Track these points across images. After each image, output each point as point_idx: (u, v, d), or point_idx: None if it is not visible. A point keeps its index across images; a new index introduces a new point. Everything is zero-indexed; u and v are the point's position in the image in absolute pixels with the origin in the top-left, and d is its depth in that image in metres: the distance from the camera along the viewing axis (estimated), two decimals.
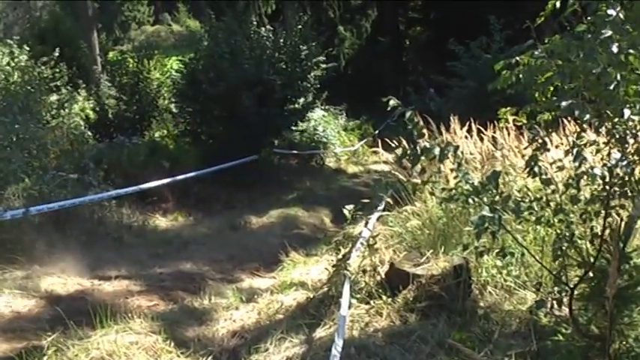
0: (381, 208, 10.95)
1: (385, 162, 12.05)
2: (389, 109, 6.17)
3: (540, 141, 5.87)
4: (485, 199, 5.73)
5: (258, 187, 20.29)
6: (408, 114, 5.98)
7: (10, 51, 17.61)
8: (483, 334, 6.92)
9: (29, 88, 16.09)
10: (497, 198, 5.71)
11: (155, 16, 55.42)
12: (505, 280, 7.85)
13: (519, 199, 5.88)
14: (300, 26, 22.17)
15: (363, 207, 11.31)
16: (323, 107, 26.35)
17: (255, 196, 19.70)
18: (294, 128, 22.99)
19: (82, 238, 13.61)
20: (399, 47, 40.15)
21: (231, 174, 19.55)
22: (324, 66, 22.53)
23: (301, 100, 21.87)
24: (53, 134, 16.86)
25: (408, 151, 5.92)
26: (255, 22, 22.76)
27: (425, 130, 6.10)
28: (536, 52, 5.62)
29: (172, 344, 7.69)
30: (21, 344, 8.05)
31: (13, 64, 17.07)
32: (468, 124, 11.23)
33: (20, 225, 12.60)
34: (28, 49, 18.20)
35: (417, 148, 5.82)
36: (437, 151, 5.73)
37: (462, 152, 6.02)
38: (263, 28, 22.02)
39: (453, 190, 6.01)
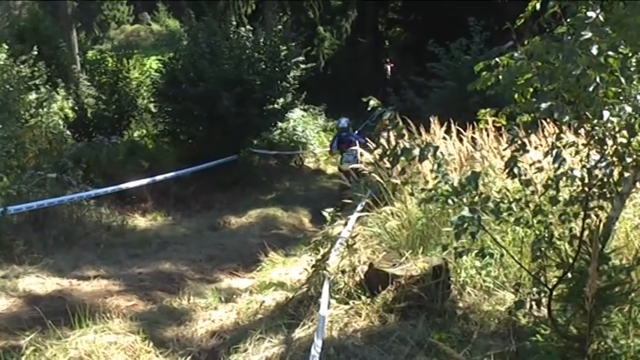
0: (360, 208, 10.96)
1: (364, 162, 12.03)
2: (369, 109, 6.18)
3: (520, 142, 5.88)
4: (464, 200, 5.74)
5: (238, 188, 20.32)
6: (387, 114, 5.99)
7: None
8: (462, 335, 6.93)
9: (8, 86, 16.07)
10: (476, 199, 5.72)
11: (135, 15, 55.22)
12: (484, 281, 7.87)
13: (499, 200, 5.89)
14: (279, 26, 22.20)
15: (342, 208, 11.35)
16: (302, 107, 26.29)
17: (235, 197, 19.72)
18: (273, 128, 23.01)
19: (61, 237, 13.58)
20: (379, 48, 40.15)
21: (210, 174, 19.58)
22: (303, 66, 22.56)
23: (280, 100, 21.90)
24: (32, 133, 16.82)
25: (388, 152, 5.93)
26: (234, 22, 22.78)
27: (404, 131, 6.09)
28: (515, 54, 5.63)
29: (151, 344, 7.69)
30: None
31: None
32: (447, 124, 11.26)
33: None
34: (6, 47, 18.14)
35: (397, 148, 5.82)
36: (416, 151, 5.73)
37: (442, 153, 6.02)
38: (243, 28, 22.05)
39: (433, 191, 6.01)
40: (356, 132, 20.85)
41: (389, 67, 30.63)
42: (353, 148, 19.61)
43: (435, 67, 21.60)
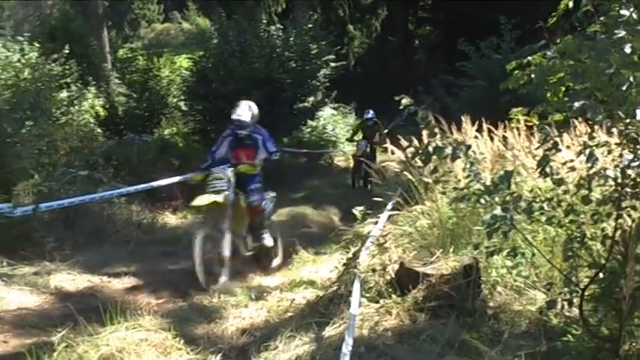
0: (390, 207, 10.94)
1: (395, 161, 11.97)
2: (401, 107, 6.17)
3: (552, 141, 5.85)
4: (496, 199, 5.72)
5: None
6: (420, 113, 5.98)
7: (21, 48, 17.64)
8: (493, 334, 6.89)
9: (39, 84, 16.13)
10: (508, 198, 5.70)
11: (165, 14, 55.44)
12: (515, 280, 7.82)
13: (531, 200, 5.86)
14: (309, 25, 22.21)
15: (373, 206, 11.33)
16: (332, 106, 26.35)
17: None
18: (303, 127, 23.03)
19: (92, 235, 13.65)
20: (409, 46, 40.12)
21: None
22: (333, 65, 22.56)
23: (311, 98, 21.93)
24: (63, 131, 16.91)
25: (420, 150, 5.91)
26: (265, 21, 22.79)
27: (436, 129, 6.08)
28: (548, 53, 5.60)
29: (182, 341, 7.68)
30: (31, 340, 8.06)
31: (23, 61, 17.09)
32: (478, 123, 11.21)
33: (30, 221, 12.62)
34: (38, 46, 18.23)
35: (429, 147, 5.80)
36: (449, 150, 5.72)
37: (474, 152, 6.01)
38: (273, 27, 22.11)
39: (465, 190, 6.00)
40: (385, 131, 20.94)
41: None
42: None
43: (466, 66, 21.58)
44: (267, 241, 12.39)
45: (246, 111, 12.49)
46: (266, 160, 12.52)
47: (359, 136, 21.03)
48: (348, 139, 21.94)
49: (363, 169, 19.69)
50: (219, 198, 11.38)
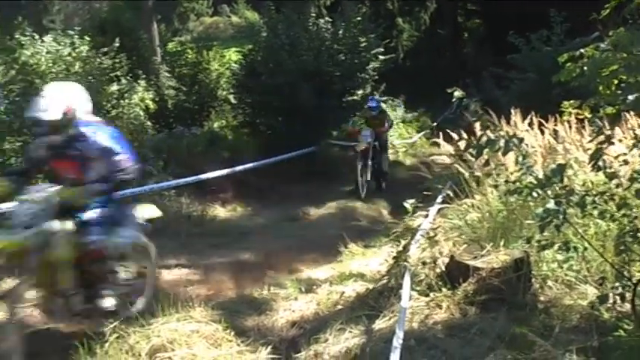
0: (440, 200, 10.92)
1: (444, 154, 11.88)
2: (453, 100, 6.17)
3: (604, 135, 5.81)
4: (549, 192, 5.69)
5: (316, 179, 20.32)
6: (472, 105, 5.97)
7: (72, 41, 17.76)
8: (544, 329, 6.85)
9: (90, 78, 16.23)
10: (561, 191, 5.67)
11: (214, 7, 55.52)
12: (566, 275, 7.77)
13: (583, 193, 5.83)
14: (358, 18, 22.15)
15: (423, 199, 11.30)
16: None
17: (313, 188, 19.72)
18: (352, 120, 23.01)
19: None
20: (458, 39, 39.98)
21: (289, 165, 19.65)
22: (382, 58, 22.46)
23: (360, 91, 21.88)
24: (114, 124, 16.99)
25: (472, 143, 5.90)
26: (313, 14, 22.77)
27: (488, 122, 6.07)
28: (602, 45, 5.57)
29: (232, 333, 7.72)
30: (84, 330, 8.14)
31: (74, 55, 17.21)
32: (528, 116, 11.13)
33: None
34: (88, 39, 18.35)
35: (481, 140, 5.78)
36: (502, 143, 5.70)
37: (526, 145, 5.99)
38: (322, 20, 22.05)
39: (517, 183, 5.97)
40: (434, 124, 20.89)
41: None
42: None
43: (515, 59, 21.41)
44: (107, 302, 8.01)
45: (52, 103, 7.51)
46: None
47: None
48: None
49: (374, 164, 19.73)
50: (17, 238, 7.10)
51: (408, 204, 9.08)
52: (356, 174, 19.10)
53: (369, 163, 19.15)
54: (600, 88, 5.80)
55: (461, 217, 9.84)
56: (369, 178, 19.65)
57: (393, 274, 8.45)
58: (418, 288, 7.84)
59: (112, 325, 7.38)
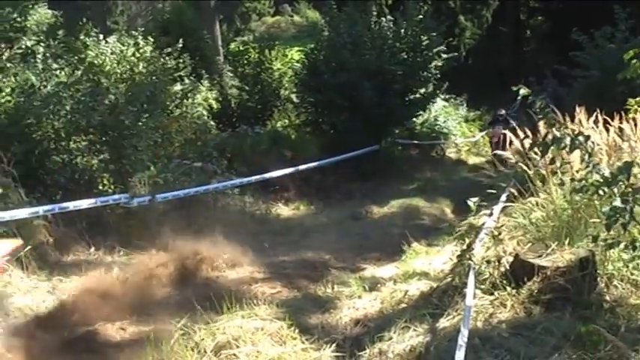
0: (504, 199, 10.86)
1: (509, 152, 11.78)
2: (518, 97, 6.13)
3: None
4: (615, 191, 5.65)
5: (379, 177, 20.34)
6: (538, 103, 5.94)
7: (135, 42, 17.97)
8: (609, 328, 6.78)
9: (154, 78, 16.40)
10: (627, 189, 5.62)
11: (275, 7, 55.72)
12: (632, 274, 7.70)
13: None
14: (420, 16, 22.09)
15: (486, 198, 11.26)
16: (443, 97, 26.23)
17: (376, 186, 19.76)
18: (415, 118, 22.97)
19: (206, 225, 13.85)
20: (521, 37, 39.71)
21: (352, 164, 19.68)
22: (444, 56, 22.37)
23: (422, 90, 21.83)
24: (177, 123, 17.15)
25: (538, 142, 5.87)
26: (375, 13, 22.74)
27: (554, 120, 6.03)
28: None
29: (296, 331, 7.77)
30: (148, 327, 8.23)
31: (138, 55, 17.41)
32: (593, 114, 11.03)
33: (146, 212, 12.89)
34: (152, 40, 18.54)
35: (547, 138, 5.75)
36: (567, 141, 5.66)
37: (592, 143, 5.93)
38: (384, 19, 22.03)
39: (583, 181, 5.93)
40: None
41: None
42: None
43: (579, 56, 21.20)
44: None
45: None
46: None
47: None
48: None
49: None
50: None
51: (472, 202, 9.05)
52: None
53: None
54: None
55: (525, 215, 9.76)
56: None
57: (457, 273, 8.43)
58: (482, 287, 7.80)
59: (179, 324, 7.46)
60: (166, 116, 16.36)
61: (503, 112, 21.17)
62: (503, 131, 18.26)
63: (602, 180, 5.70)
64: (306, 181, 18.84)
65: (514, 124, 19.10)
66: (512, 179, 10.98)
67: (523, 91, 6.02)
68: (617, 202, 5.51)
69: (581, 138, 5.70)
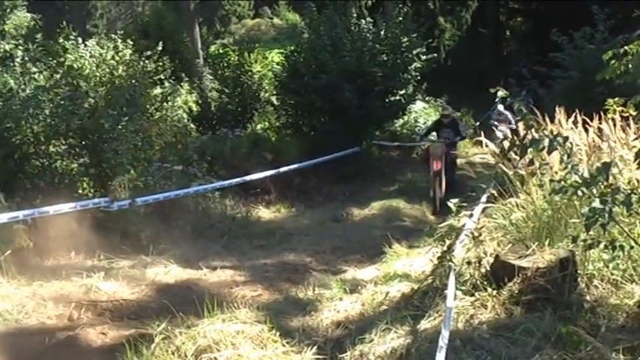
0: (484, 200, 10.89)
1: (488, 153, 11.81)
2: (496, 99, 6.16)
3: None
4: (594, 191, 5.67)
5: (360, 179, 20.38)
6: (516, 105, 5.96)
7: (115, 45, 17.96)
8: (590, 328, 6.82)
9: (134, 81, 16.38)
10: (606, 190, 5.64)
11: (255, 9, 55.76)
12: (612, 274, 7.73)
13: (629, 191, 5.79)
14: (400, 18, 22.13)
15: (466, 199, 11.28)
16: (423, 99, 26.24)
17: (357, 188, 19.80)
18: (395, 120, 23.00)
19: (187, 228, 13.87)
20: (500, 38, 39.80)
21: (332, 166, 19.69)
22: (424, 57, 22.39)
23: (402, 92, 21.82)
24: (157, 127, 17.15)
25: (516, 143, 5.89)
26: (355, 15, 22.74)
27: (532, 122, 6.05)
28: None
29: (277, 334, 7.76)
30: (129, 332, 8.22)
31: (117, 58, 17.40)
32: (573, 115, 11.07)
33: (127, 215, 12.90)
34: (131, 43, 18.52)
35: (525, 139, 5.77)
36: (546, 142, 5.68)
37: (571, 143, 5.96)
38: (363, 21, 22.02)
39: (562, 182, 5.95)
40: (477, 123, 20.80)
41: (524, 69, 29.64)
42: None
43: (558, 57, 21.27)
44: None
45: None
46: None
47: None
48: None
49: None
50: None
51: (452, 204, 9.08)
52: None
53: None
54: None
55: (505, 216, 9.81)
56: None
57: (437, 274, 8.46)
58: (463, 288, 7.84)
59: (159, 328, 7.45)
60: (146, 119, 16.33)
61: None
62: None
63: (581, 181, 5.72)
64: (286, 183, 18.86)
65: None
66: (493, 180, 11.01)
67: (500, 93, 6.04)
68: (596, 203, 5.53)
69: (559, 139, 5.71)
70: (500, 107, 21.18)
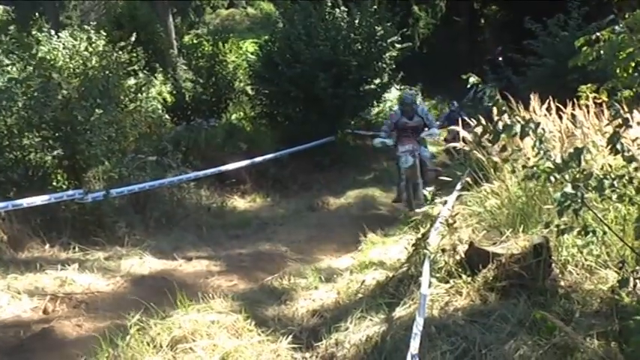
0: (459, 187, 10.90)
1: (462, 141, 11.80)
2: (469, 86, 6.14)
3: (622, 118, 5.78)
4: (567, 177, 5.67)
5: (335, 168, 20.38)
6: (488, 91, 5.95)
7: (88, 36, 17.83)
8: (564, 314, 6.83)
9: (107, 72, 16.28)
10: (579, 175, 5.65)
11: None
12: (586, 260, 7.74)
13: (602, 177, 5.80)
14: (374, 7, 22.09)
15: (442, 187, 11.28)
16: (398, 87, 26.20)
17: (332, 177, 19.81)
18: (370, 109, 23.00)
19: (162, 219, 13.84)
20: (475, 26, 39.81)
21: (307, 155, 19.68)
22: (399, 46, 22.37)
23: (377, 80, 21.82)
24: (132, 118, 17.04)
25: (489, 129, 5.88)
26: (329, 4, 22.69)
27: (505, 108, 6.04)
28: (617, 28, 5.54)
29: (253, 323, 7.78)
30: (104, 323, 8.22)
31: (91, 50, 17.27)
32: (546, 102, 11.09)
33: (101, 207, 12.84)
34: (105, 34, 18.41)
35: (498, 125, 5.77)
36: (518, 128, 5.68)
37: (543, 129, 5.96)
38: (338, 10, 21.97)
39: (534, 168, 5.95)
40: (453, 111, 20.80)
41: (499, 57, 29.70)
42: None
43: (532, 44, 21.33)
44: None
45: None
46: None
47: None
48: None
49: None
50: None
51: (427, 192, 9.08)
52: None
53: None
54: (617, 71, 5.77)
55: (480, 203, 9.83)
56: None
57: (412, 262, 8.46)
58: (438, 275, 7.84)
59: (133, 319, 7.43)
60: (120, 110, 16.22)
61: (456, 104, 21.10)
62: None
63: (553, 166, 5.72)
64: (262, 173, 18.85)
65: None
66: (468, 167, 11.02)
67: (472, 79, 6.03)
68: (568, 188, 5.53)
69: (531, 124, 5.72)
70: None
